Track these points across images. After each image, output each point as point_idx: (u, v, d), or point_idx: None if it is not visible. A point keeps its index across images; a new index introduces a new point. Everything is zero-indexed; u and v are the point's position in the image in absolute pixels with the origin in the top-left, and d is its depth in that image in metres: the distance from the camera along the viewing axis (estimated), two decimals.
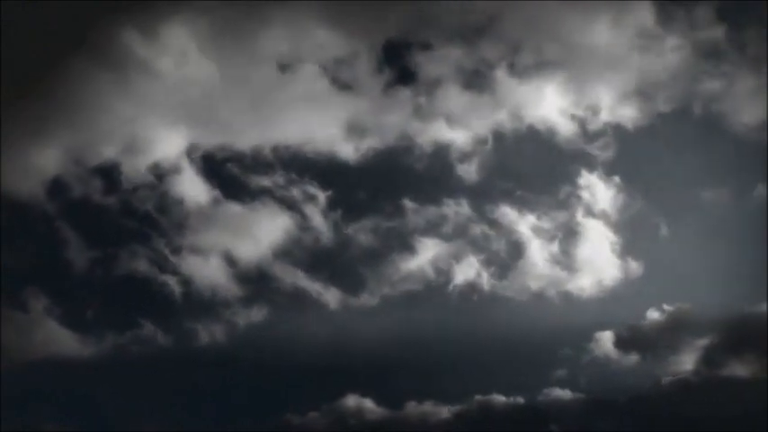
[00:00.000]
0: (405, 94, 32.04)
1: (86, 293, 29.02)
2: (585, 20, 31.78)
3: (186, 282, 29.53)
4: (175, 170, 30.40)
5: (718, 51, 31.45)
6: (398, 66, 31.93)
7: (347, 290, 30.13)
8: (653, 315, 29.78)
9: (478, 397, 28.11)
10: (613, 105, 31.88)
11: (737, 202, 31.25)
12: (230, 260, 29.91)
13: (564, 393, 28.29)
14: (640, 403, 28.36)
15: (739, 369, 28.83)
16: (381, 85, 31.76)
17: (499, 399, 28.23)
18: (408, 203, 31.32)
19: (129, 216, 30.14)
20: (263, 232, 30.26)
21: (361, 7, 30.30)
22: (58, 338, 27.82)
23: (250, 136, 30.51)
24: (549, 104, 31.99)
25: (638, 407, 28.30)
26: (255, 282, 29.99)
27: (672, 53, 31.53)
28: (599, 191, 31.72)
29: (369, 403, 28.35)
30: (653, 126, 31.81)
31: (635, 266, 30.69)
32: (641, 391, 28.58)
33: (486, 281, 30.56)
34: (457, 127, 31.74)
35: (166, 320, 29.05)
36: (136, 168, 29.99)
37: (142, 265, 29.48)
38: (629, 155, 32.12)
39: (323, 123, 30.70)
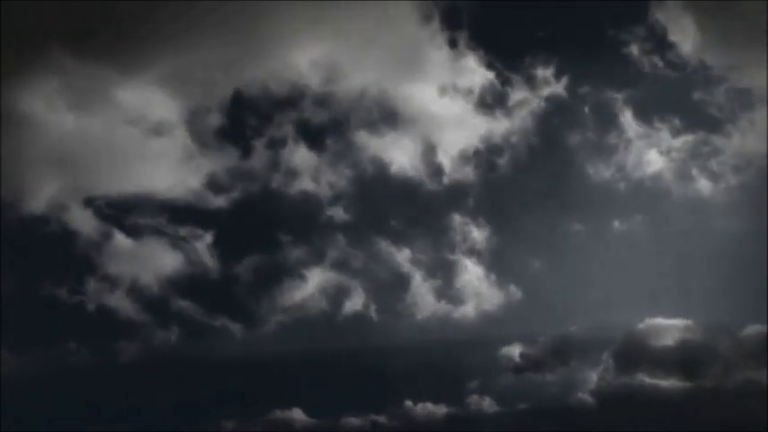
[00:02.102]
0: (259, 150, 33.94)
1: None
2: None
3: (100, 306, 31.36)
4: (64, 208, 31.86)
5: (562, 105, 35.44)
6: (249, 122, 34.05)
7: (244, 319, 31.92)
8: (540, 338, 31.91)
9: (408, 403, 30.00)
10: (466, 158, 34.66)
11: (598, 235, 34.66)
12: (135, 289, 31.63)
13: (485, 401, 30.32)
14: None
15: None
16: (237, 140, 33.77)
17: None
18: (286, 238, 33.23)
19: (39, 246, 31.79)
20: (158, 266, 31.88)
21: (205, 67, 32.25)
22: None
23: (126, 183, 32.23)
24: (405, 156, 34.43)
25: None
26: (160, 309, 31.70)
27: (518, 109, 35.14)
28: (469, 230, 34.07)
29: (299, 414, 29.78)
30: (513, 174, 35.12)
31: (513, 294, 32.92)
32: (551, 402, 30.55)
33: (372, 310, 32.52)
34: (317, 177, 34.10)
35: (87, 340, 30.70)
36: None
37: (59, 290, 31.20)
38: (491, 199, 34.96)
39: (188, 177, 32.61)
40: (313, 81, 33.42)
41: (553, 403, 30.95)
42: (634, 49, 34.70)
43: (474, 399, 30.55)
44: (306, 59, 33.02)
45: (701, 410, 30.19)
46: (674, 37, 34.39)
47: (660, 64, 34.59)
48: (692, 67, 34.40)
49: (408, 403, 30.28)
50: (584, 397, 30.88)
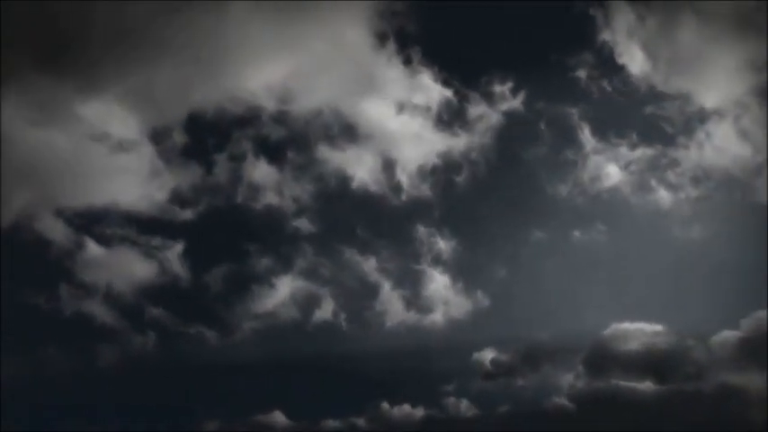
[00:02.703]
0: (221, 166, 34.64)
1: None
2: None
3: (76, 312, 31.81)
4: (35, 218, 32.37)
5: (520, 121, 36.15)
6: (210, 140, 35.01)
7: (217, 326, 32.56)
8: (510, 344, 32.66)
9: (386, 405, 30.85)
10: (426, 173, 35.42)
11: (560, 244, 35.35)
12: (110, 296, 32.09)
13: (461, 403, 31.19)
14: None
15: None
16: (199, 157, 34.51)
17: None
18: (254, 248, 33.80)
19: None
20: (131, 274, 32.51)
21: (165, 86, 32.99)
22: None
23: (94, 196, 32.78)
24: (366, 170, 35.03)
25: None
26: (136, 315, 32.27)
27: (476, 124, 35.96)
28: (434, 240, 34.70)
29: (280, 417, 30.43)
30: (474, 187, 35.75)
31: (480, 302, 33.53)
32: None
33: (342, 318, 33.14)
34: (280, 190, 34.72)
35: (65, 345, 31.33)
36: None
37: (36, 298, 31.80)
38: (454, 211, 35.59)
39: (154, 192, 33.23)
40: (270, 101, 34.13)
41: (529, 407, 31.55)
42: (583, 72, 35.72)
43: (451, 401, 31.32)
44: (262, 80, 33.73)
45: (676, 413, 30.88)
46: (621, 60, 35.56)
47: (609, 87, 35.67)
48: (641, 88, 35.49)
49: (386, 405, 31.03)
50: (560, 401, 31.54)
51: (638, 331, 32.91)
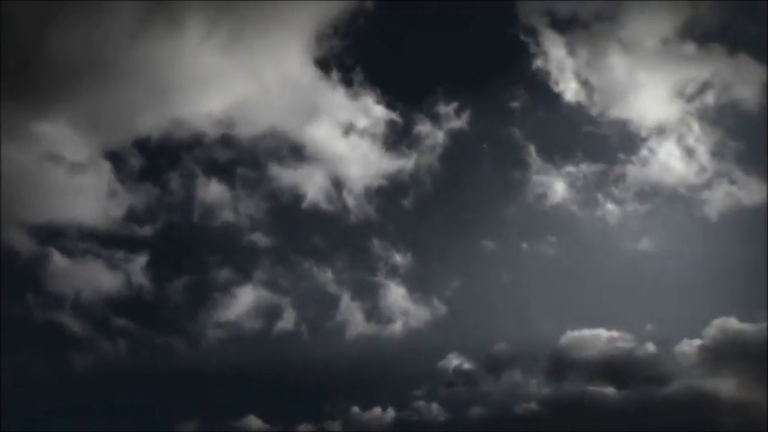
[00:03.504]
0: (174, 185, 35.60)
1: None
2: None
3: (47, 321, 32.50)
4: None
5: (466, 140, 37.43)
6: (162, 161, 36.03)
7: (184, 335, 33.48)
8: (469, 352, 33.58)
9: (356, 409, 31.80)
10: (375, 191, 36.52)
11: (511, 256, 36.51)
12: (77, 305, 32.74)
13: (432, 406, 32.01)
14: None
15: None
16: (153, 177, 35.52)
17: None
18: (213, 260, 34.77)
19: None
20: (97, 285, 33.17)
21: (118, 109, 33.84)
22: None
23: (54, 213, 33.39)
24: (316, 189, 36.04)
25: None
26: (104, 324, 33.06)
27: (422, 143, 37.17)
28: (390, 254, 35.71)
29: (255, 421, 31.15)
30: (425, 205, 36.84)
31: (438, 312, 34.60)
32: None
33: (303, 329, 34.09)
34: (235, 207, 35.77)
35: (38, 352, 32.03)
36: None
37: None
38: (406, 227, 36.74)
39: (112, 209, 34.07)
40: (218, 125, 35.13)
41: (498, 411, 32.28)
42: (521, 98, 37.22)
43: (422, 405, 32.11)
44: (211, 105, 34.75)
45: (642, 418, 31.55)
46: (556, 87, 37.10)
47: (546, 113, 37.35)
48: (578, 112, 36.98)
49: (356, 410, 31.88)
50: (528, 405, 32.33)
51: (594, 338, 33.91)
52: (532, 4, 36.54)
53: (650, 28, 36.47)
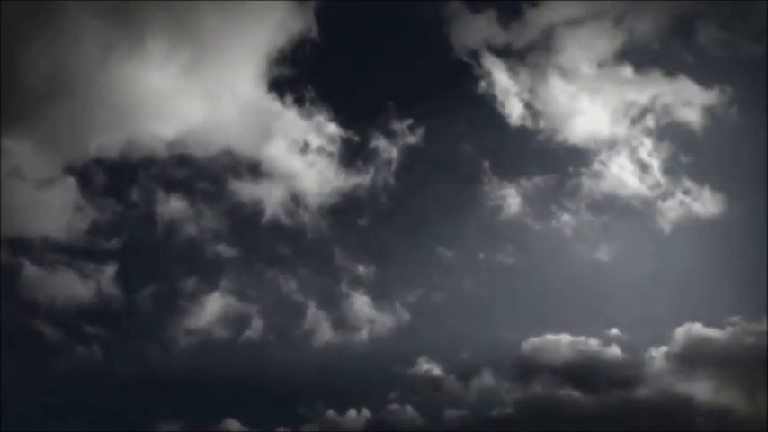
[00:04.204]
0: (136, 201, 36.78)
1: None
2: None
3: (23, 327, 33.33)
4: None
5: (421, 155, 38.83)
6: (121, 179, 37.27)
7: (156, 341, 34.48)
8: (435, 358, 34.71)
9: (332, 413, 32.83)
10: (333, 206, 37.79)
11: (469, 264, 37.55)
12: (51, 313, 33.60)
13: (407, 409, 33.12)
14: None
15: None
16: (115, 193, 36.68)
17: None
18: (180, 270, 35.93)
19: None
20: (69, 294, 34.17)
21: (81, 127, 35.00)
22: None
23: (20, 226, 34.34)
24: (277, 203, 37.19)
25: None
26: (78, 331, 34.08)
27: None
28: (353, 264, 36.92)
29: (235, 424, 32.07)
30: (383, 218, 38.20)
31: (403, 320, 35.85)
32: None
33: (271, 337, 35.20)
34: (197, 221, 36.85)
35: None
36: None
37: None
38: (368, 238, 37.98)
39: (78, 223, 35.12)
40: (177, 145, 36.17)
41: (472, 414, 33.32)
42: (471, 114, 38.71)
43: (395, 407, 33.26)
44: (170, 126, 35.75)
45: (615, 421, 32.67)
46: (502, 108, 38.53)
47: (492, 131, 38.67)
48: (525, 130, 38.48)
49: (332, 413, 33.00)
50: (502, 409, 33.41)
51: (558, 343, 34.92)
52: (467, 33, 38.21)
53: (586, 53, 38.35)
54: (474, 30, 38.25)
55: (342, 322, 35.23)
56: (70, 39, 34.03)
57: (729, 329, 34.56)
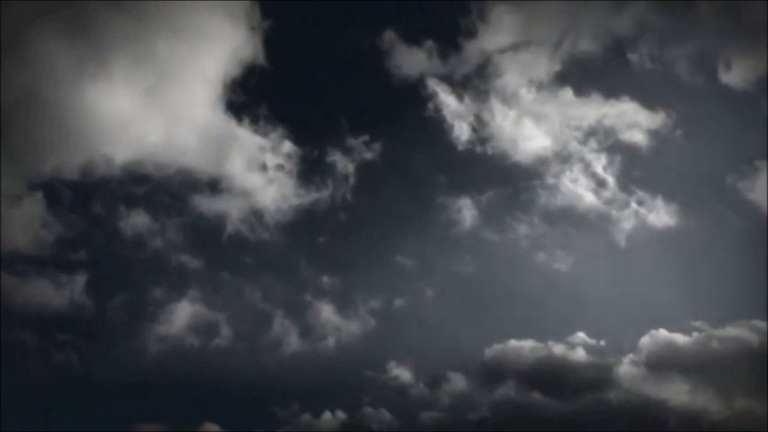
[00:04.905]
0: (100, 217, 37.57)
1: None
2: None
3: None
4: None
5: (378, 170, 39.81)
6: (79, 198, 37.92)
7: (129, 348, 34.86)
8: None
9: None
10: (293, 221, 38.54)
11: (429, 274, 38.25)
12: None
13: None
14: None
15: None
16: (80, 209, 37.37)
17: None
18: (147, 280, 36.62)
19: None
20: (44, 302, 34.94)
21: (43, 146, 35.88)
22: None
23: None
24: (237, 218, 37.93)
25: None
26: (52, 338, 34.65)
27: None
28: (317, 274, 37.76)
29: (213, 427, 32.40)
30: (342, 230, 38.99)
31: (368, 327, 36.37)
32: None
33: (240, 345, 35.69)
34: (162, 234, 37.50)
35: None
36: None
37: None
38: (329, 250, 38.70)
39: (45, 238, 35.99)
40: (139, 163, 37.09)
41: (444, 417, 33.65)
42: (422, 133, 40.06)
43: (369, 411, 33.65)
44: (132, 144, 36.88)
45: (585, 424, 33.06)
46: (452, 129, 39.84)
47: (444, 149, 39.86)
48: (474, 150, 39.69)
49: (308, 417, 33.38)
50: (476, 412, 33.71)
51: (520, 349, 35.45)
52: (407, 63, 39.75)
53: (525, 78, 40.01)
54: (412, 62, 39.80)
55: (309, 330, 35.88)
56: (38, 61, 35.43)
57: (695, 335, 35.29)
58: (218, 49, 37.51)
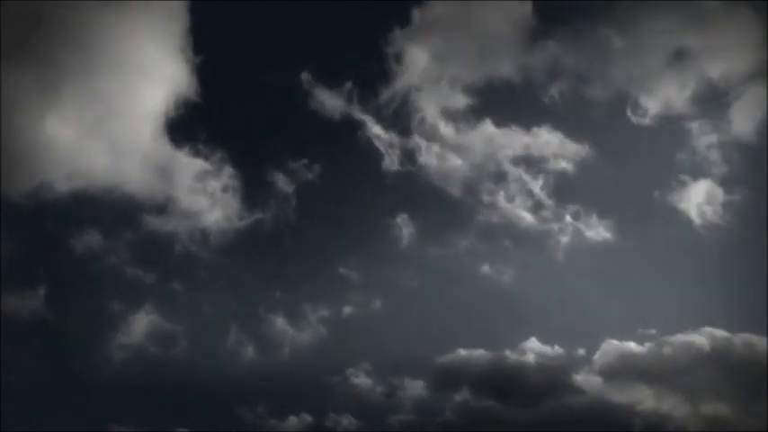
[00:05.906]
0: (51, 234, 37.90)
1: None
2: None
3: None
4: None
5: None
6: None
7: (90, 357, 35.19)
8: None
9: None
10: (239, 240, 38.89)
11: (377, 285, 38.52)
12: None
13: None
14: None
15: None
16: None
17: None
18: (103, 293, 36.87)
19: None
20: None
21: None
22: None
23: None
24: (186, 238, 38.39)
25: None
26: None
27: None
28: (266, 287, 38.02)
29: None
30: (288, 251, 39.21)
31: (320, 336, 36.77)
32: None
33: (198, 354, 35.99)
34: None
35: None
36: None
37: None
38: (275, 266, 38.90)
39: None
40: (86, 188, 37.38)
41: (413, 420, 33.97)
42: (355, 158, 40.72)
43: (333, 417, 33.94)
44: (73, 169, 37.16)
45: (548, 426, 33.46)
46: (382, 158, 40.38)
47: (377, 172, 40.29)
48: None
49: (275, 421, 33.77)
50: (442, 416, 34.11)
51: (471, 357, 35.62)
52: (329, 100, 40.62)
53: (442, 113, 40.81)
54: (334, 103, 40.67)
55: (264, 341, 36.31)
56: None
57: (647, 344, 35.74)
58: (158, 83, 38.96)
